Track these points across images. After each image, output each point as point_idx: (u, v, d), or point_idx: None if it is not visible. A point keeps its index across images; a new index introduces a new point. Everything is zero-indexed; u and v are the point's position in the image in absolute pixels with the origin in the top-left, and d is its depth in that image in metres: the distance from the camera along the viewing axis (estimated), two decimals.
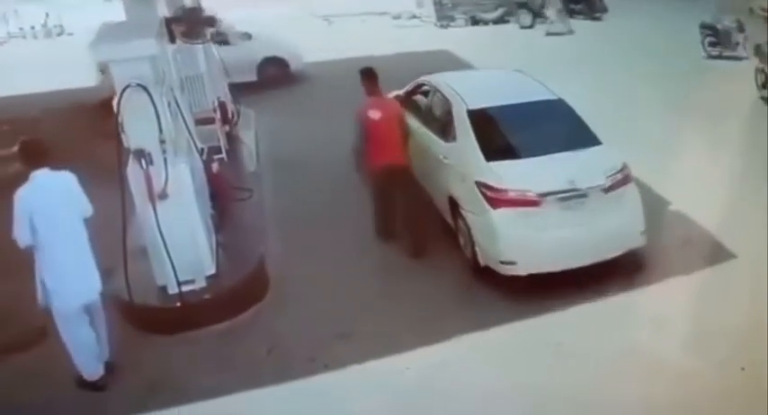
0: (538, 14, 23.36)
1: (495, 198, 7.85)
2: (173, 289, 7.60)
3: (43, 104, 15.21)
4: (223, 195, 9.41)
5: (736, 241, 8.73)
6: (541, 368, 6.84)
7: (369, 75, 8.93)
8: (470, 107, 8.76)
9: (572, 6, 24.06)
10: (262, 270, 8.39)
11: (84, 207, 6.74)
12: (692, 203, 9.67)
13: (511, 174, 7.98)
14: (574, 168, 8.01)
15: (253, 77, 16.92)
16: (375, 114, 8.80)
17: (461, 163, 8.48)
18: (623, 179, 8.18)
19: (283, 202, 10.56)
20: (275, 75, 17.34)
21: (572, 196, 7.84)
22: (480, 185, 7.98)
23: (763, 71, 14.11)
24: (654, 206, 9.83)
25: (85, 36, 7.64)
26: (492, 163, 8.12)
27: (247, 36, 17.63)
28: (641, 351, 6.97)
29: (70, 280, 6.53)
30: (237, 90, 13.06)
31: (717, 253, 8.62)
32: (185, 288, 7.59)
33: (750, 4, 20.57)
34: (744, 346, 6.83)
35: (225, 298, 7.78)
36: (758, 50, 14.41)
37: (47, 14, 24.82)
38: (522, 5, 23.79)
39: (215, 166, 9.62)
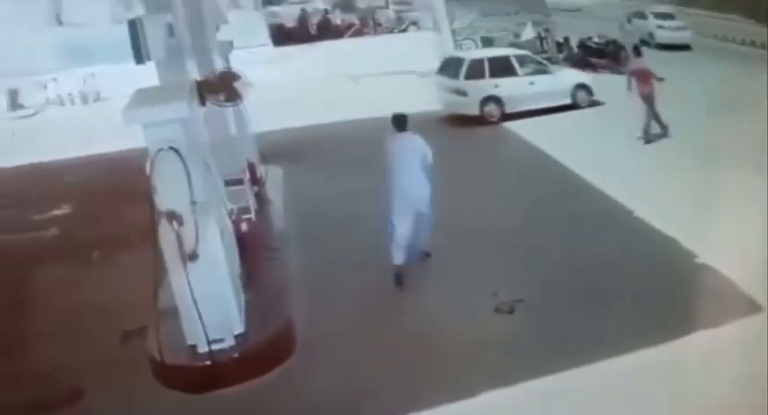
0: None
1: None
2: (203, 348, 7.68)
3: (79, 169, 15.63)
4: (251, 254, 9.55)
5: (763, 292, 8.64)
6: None
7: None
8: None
9: (594, 60, 24.31)
10: (289, 329, 8.46)
11: None
12: (719, 255, 9.61)
13: None
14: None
15: (567, 100, 19.77)
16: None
17: None
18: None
19: (311, 261, 10.66)
20: (584, 99, 20.01)
21: None
22: None
23: None
24: (681, 259, 9.87)
25: (121, 101, 7.89)
26: None
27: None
28: (666, 406, 6.92)
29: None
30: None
31: (745, 306, 8.55)
32: (215, 347, 7.67)
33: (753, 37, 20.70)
34: None
35: (253, 357, 7.85)
36: None
37: (84, 81, 25.56)
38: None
39: (244, 226, 9.80)
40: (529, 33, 25.56)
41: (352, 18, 30.99)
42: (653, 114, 15.94)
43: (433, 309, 9.14)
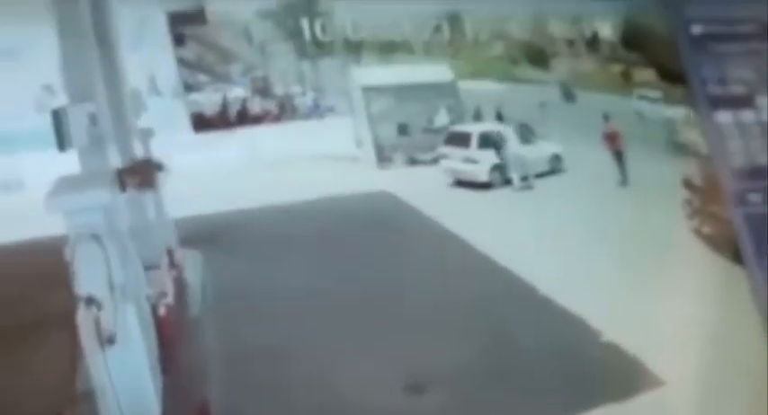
0: None
1: None
2: None
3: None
4: (169, 338, 9.60)
5: (665, 368, 9.15)
6: None
7: None
8: None
9: None
10: (205, 413, 8.51)
11: None
12: (623, 333, 10.09)
13: None
14: None
15: (546, 167, 21.67)
16: None
17: None
18: None
19: (228, 344, 10.73)
20: (557, 167, 21.95)
21: None
22: None
23: (690, 203, 14.95)
24: (586, 337, 10.33)
25: (44, 188, 7.99)
26: None
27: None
28: None
29: None
30: None
31: (646, 380, 9.02)
32: None
33: (674, 137, 21.49)
34: None
35: None
36: (686, 183, 15.02)
37: (5, 169, 25.06)
38: None
39: (162, 310, 9.86)
40: (442, 119, 26.48)
41: (271, 104, 31.54)
42: (622, 168, 19.29)
43: (341, 384, 9.30)
